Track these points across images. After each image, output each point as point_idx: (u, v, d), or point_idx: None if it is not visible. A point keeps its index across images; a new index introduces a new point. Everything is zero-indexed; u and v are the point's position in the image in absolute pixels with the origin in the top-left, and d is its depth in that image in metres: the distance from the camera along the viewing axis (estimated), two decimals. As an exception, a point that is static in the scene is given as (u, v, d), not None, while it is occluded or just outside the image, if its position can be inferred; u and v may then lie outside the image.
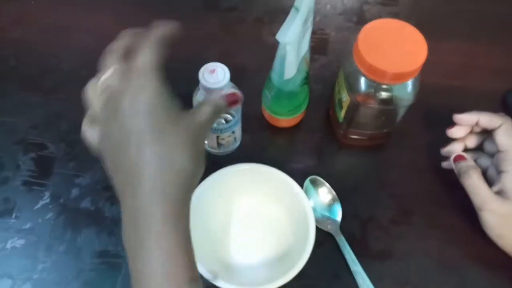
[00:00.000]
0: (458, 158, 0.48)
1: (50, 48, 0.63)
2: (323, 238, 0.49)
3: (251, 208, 0.51)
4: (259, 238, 0.49)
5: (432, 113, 0.57)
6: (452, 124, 0.48)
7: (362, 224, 0.51)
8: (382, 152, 0.56)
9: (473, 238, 0.49)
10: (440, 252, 0.49)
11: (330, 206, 0.51)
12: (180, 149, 0.31)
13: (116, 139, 0.31)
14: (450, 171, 0.49)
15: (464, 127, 0.48)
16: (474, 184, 0.45)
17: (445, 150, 0.50)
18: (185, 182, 0.31)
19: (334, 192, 0.52)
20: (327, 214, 0.51)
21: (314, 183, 0.52)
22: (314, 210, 0.49)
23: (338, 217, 0.50)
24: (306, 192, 0.50)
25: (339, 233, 0.49)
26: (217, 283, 0.42)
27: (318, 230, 0.47)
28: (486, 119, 0.46)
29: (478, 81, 0.60)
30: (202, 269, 0.42)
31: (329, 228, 0.50)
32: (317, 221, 0.47)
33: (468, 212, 0.48)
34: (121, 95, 0.31)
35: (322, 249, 0.48)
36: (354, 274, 0.47)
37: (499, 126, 0.45)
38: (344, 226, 0.50)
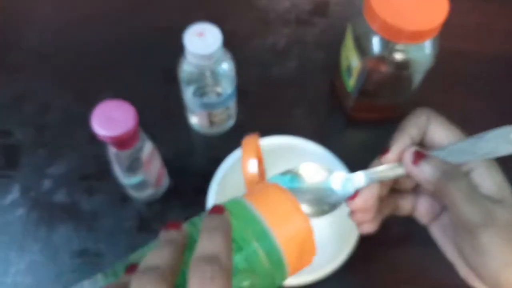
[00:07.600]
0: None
1: (11, 23, 0.58)
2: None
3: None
4: None
5: (450, 81, 0.53)
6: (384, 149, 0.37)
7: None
8: (395, 127, 0.51)
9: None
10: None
11: None
12: None
13: None
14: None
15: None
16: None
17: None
18: None
19: None
20: None
21: None
22: None
23: None
24: None
25: None
26: None
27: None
28: (415, 130, 0.35)
29: (492, 45, 0.56)
30: None
31: None
32: None
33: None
34: None
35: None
36: None
37: (429, 123, 0.35)
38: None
